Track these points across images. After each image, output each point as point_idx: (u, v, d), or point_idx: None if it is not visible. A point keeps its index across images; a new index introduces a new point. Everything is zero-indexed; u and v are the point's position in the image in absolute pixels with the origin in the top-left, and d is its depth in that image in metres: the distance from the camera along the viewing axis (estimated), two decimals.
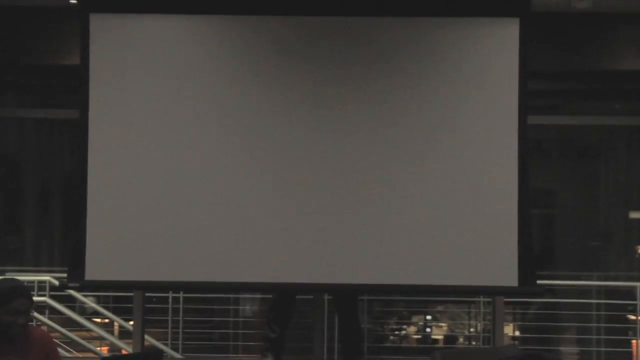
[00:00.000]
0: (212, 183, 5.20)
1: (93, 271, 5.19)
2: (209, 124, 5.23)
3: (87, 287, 5.70)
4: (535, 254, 5.50)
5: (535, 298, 8.18)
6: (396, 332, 9.67)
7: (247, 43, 5.25)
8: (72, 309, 8.37)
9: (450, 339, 9.58)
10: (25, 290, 4.22)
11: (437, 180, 5.21)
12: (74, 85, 5.32)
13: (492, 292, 5.56)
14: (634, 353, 7.69)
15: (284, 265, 5.18)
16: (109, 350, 8.18)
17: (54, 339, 4.43)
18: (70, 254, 5.34)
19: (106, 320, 8.90)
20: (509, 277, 5.17)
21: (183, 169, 5.20)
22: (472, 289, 5.51)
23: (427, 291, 5.78)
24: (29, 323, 4.29)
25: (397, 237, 5.18)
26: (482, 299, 8.09)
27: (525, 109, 5.25)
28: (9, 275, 8.17)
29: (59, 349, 7.69)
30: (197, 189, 5.20)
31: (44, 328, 7.78)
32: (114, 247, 5.18)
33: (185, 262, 5.17)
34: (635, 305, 7.78)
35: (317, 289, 5.48)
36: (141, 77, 5.23)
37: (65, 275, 5.36)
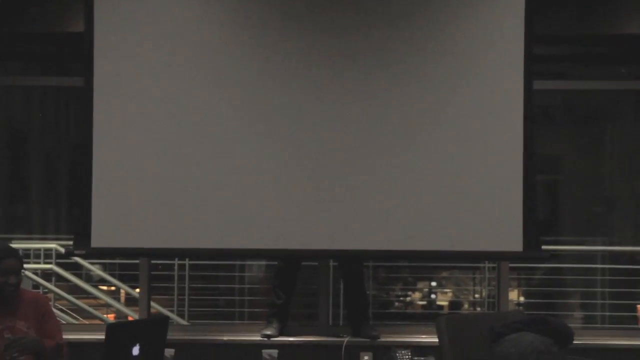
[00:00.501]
0: (217, 150, 5.21)
1: (99, 239, 5.21)
2: (214, 91, 5.23)
3: (93, 254, 5.74)
4: (540, 219, 5.50)
5: (540, 263, 8.20)
6: (401, 298, 9.70)
7: (251, 9, 5.23)
8: (79, 276, 8.41)
9: (455, 304, 9.62)
10: (13, 251, 4.28)
11: (442, 145, 5.21)
12: (79, 53, 5.30)
13: (497, 257, 5.57)
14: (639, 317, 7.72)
15: (289, 232, 5.20)
16: (115, 317, 8.23)
17: (49, 301, 4.48)
18: (76, 222, 5.35)
19: (112, 288, 8.95)
20: (514, 242, 5.19)
21: (188, 136, 5.21)
22: (477, 255, 5.53)
23: (432, 257, 5.79)
24: (22, 287, 4.34)
25: (402, 203, 5.19)
26: (487, 264, 8.10)
27: (530, 74, 5.24)
28: (16, 243, 8.22)
29: (66, 316, 7.79)
30: (202, 156, 5.21)
31: (50, 295, 7.83)
32: (119, 214, 5.20)
33: (191, 229, 5.18)
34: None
35: (322, 256, 5.50)
36: (146, 43, 5.22)
37: (71, 242, 5.38)
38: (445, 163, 5.21)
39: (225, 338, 5.48)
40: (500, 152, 5.22)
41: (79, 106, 5.34)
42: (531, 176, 5.23)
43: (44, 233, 9.24)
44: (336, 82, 5.21)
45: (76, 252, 5.34)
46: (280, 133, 5.21)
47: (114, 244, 5.23)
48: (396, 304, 9.62)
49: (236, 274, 8.59)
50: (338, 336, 5.46)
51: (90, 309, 8.08)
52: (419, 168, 5.21)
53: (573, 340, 4.23)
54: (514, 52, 5.23)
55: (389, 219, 5.20)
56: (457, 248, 5.21)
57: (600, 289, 8.22)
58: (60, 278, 8.08)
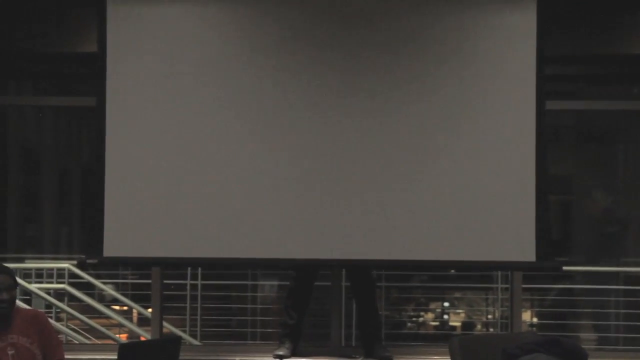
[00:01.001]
0: (230, 160, 5.23)
1: (111, 248, 5.22)
2: (225, 106, 5.26)
3: (105, 263, 5.71)
4: (552, 230, 5.49)
5: (554, 281, 8.17)
6: (414, 319, 9.67)
7: (261, 28, 5.27)
8: (91, 296, 8.41)
9: (467, 325, 9.58)
10: (4, 268, 4.27)
11: (455, 160, 5.23)
12: (91, 73, 5.33)
13: (509, 267, 5.56)
14: None
15: (301, 242, 5.21)
16: (127, 337, 8.22)
17: (48, 317, 4.47)
18: (88, 231, 5.35)
19: (125, 308, 8.94)
20: (527, 252, 5.18)
21: (200, 147, 5.23)
22: (489, 265, 5.52)
23: (444, 266, 5.78)
24: (22, 306, 4.34)
25: (415, 213, 5.20)
26: (499, 285, 8.08)
27: (542, 93, 5.25)
28: (28, 262, 8.23)
29: (79, 336, 7.78)
30: (214, 166, 5.23)
31: (62, 315, 7.83)
32: (132, 223, 5.22)
33: (204, 239, 5.20)
34: None
35: (333, 265, 5.46)
36: (158, 63, 5.25)
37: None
38: (457, 177, 5.22)
39: (237, 358, 5.48)
40: (514, 164, 5.23)
41: (91, 123, 5.36)
42: (544, 187, 5.22)
43: (56, 252, 9.25)
44: (346, 95, 5.24)
45: (88, 261, 5.34)
46: (294, 145, 5.23)
47: (126, 253, 5.25)
48: (408, 324, 9.59)
49: (248, 294, 8.59)
50: (351, 357, 5.45)
51: (103, 329, 8.06)
52: (431, 182, 5.22)
53: None
54: (526, 72, 5.24)
55: (403, 229, 5.20)
56: (469, 258, 5.21)
57: (614, 310, 8.17)
58: (72, 298, 8.07)
